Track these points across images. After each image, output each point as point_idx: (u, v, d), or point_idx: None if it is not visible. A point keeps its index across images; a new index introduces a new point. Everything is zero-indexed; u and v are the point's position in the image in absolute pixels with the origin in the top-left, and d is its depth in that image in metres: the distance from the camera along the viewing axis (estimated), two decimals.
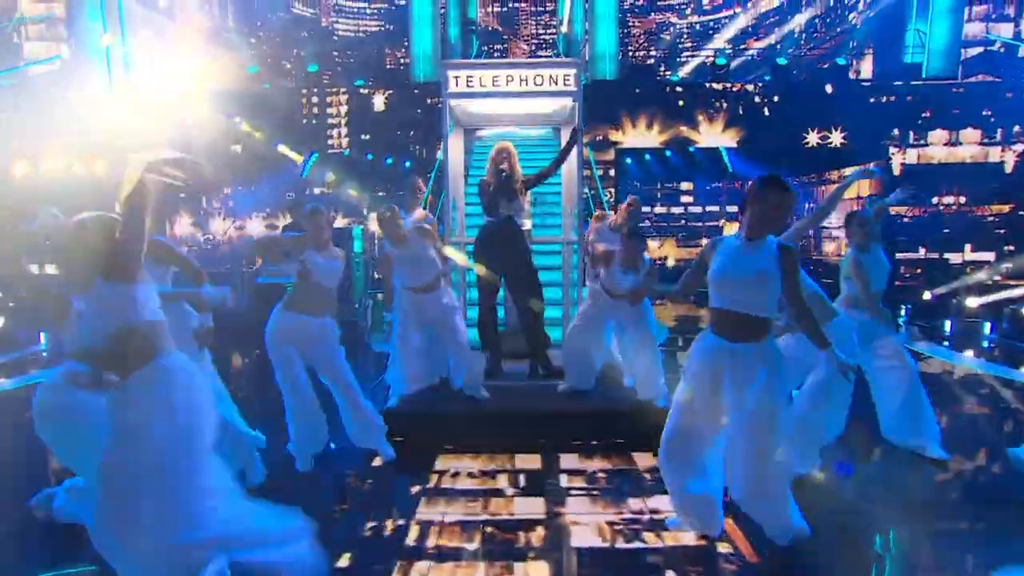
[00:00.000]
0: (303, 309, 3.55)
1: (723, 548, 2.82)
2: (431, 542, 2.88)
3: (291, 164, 16.80)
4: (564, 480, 3.54)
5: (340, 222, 20.48)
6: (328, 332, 3.62)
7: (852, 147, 14.86)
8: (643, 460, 3.78)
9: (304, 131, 16.13)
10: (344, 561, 2.75)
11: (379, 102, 16.05)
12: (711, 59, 21.76)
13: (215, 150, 14.95)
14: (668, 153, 16.89)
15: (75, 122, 12.85)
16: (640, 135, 15.65)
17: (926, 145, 14.59)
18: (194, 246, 16.92)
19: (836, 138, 14.78)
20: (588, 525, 3.03)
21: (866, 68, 22.79)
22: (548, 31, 53.95)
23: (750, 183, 2.61)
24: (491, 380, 4.74)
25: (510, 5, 55.11)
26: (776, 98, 15.46)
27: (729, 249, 2.58)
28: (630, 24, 41.26)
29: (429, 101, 16.20)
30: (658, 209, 27.38)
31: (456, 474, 3.66)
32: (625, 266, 4.09)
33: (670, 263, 18.45)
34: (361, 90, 16.29)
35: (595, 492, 3.39)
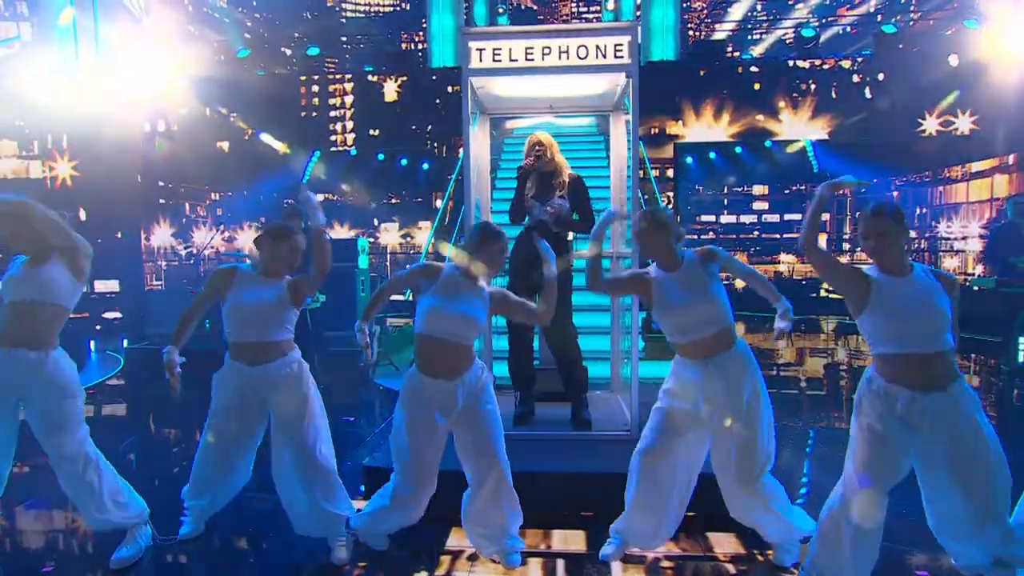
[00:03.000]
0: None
1: None
2: None
3: (289, 165, 16.91)
4: (617, 570, 3.18)
5: (346, 233, 20.54)
6: None
7: (985, 134, 13.96)
8: (723, 543, 3.39)
9: (303, 126, 16.21)
10: None
11: (390, 91, 16.05)
12: (793, 33, 21.28)
13: (199, 147, 15.12)
14: (739, 149, 16.45)
15: (36, 114, 13.11)
16: (705, 127, 15.24)
17: None
18: (174, 260, 17.08)
19: (964, 123, 13.90)
20: None
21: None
22: (591, 9, 54.28)
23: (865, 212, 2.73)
24: (521, 428, 4.43)
25: None
26: (881, 76, 14.79)
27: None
28: None
29: (450, 90, 16.16)
30: (725, 218, 26.81)
31: (474, 557, 3.33)
32: None
33: (739, 284, 17.84)
34: (369, 77, 16.33)
35: None
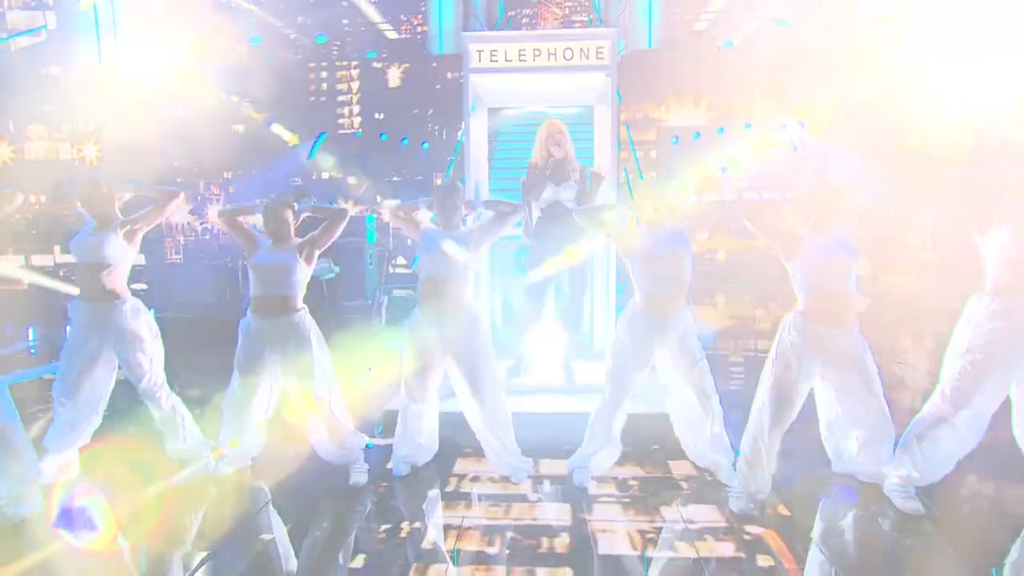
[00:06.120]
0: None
1: (763, 561, 2.97)
2: (449, 546, 3.09)
3: (298, 147, 17.21)
4: (593, 487, 3.72)
5: (351, 209, 20.83)
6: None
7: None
8: (680, 468, 3.94)
9: (312, 110, 16.52)
10: (359, 562, 2.98)
11: (394, 77, 16.34)
12: (770, 22, 21.50)
13: (215, 130, 15.40)
14: (720, 131, 16.86)
15: (63, 101, 13.36)
16: (687, 111, 15.69)
17: None
18: (191, 235, 17.45)
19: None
20: (617, 532, 3.21)
21: None
22: None
23: None
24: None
25: None
26: (850, 64, 15.11)
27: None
28: None
29: (450, 75, 16.43)
30: (708, 196, 27.24)
31: (476, 478, 3.87)
32: None
33: (721, 256, 18.32)
34: (374, 63, 16.62)
35: (626, 500, 3.57)
